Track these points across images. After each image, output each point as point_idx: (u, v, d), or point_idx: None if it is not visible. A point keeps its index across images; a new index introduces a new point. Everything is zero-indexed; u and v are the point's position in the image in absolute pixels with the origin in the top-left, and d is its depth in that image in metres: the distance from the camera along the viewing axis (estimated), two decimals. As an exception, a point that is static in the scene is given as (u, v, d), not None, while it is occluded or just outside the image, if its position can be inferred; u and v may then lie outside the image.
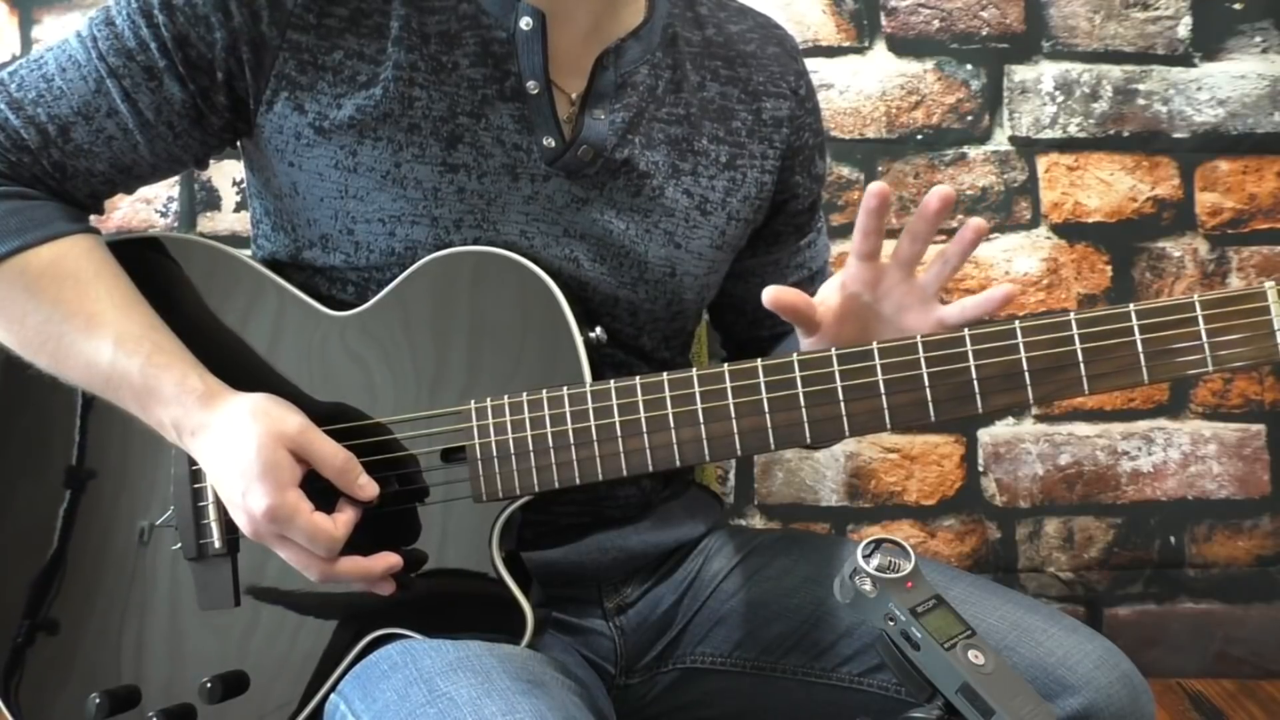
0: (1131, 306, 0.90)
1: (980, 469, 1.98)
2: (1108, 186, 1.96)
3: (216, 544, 1.04)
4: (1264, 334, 0.89)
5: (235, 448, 0.95)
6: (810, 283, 1.25)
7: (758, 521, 1.99)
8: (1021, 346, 0.91)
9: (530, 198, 1.06)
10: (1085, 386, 0.91)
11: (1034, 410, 1.98)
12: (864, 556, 0.87)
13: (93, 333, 0.99)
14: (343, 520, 0.96)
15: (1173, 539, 2.00)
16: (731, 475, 1.98)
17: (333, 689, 1.01)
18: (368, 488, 0.98)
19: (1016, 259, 1.96)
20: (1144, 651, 1.95)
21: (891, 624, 0.85)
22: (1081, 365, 0.91)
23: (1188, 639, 2.00)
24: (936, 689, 0.83)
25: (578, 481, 0.98)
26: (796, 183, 1.20)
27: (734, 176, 1.14)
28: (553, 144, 1.05)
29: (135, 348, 0.99)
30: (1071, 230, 1.96)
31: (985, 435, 1.98)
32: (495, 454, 0.99)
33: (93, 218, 1.09)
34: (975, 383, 0.92)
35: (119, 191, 1.09)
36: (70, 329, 1.00)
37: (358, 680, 0.99)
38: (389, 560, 0.98)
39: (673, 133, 1.11)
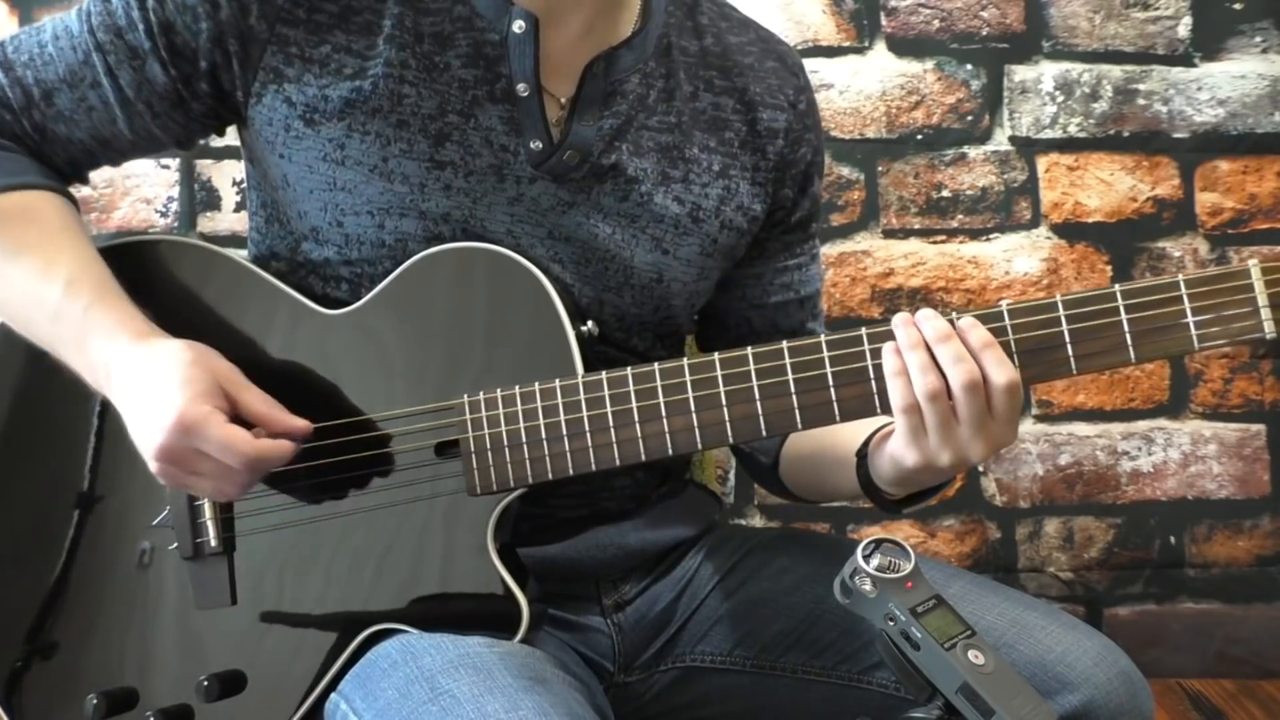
0: (1117, 287, 0.91)
1: (980, 469, 1.98)
2: (1108, 186, 1.96)
3: (212, 542, 1.04)
4: (1248, 311, 0.90)
5: (157, 372, 0.94)
6: (799, 308, 1.23)
7: (758, 521, 1.99)
8: (1009, 329, 0.92)
9: (515, 199, 1.06)
10: (1073, 367, 0.92)
11: (1034, 410, 1.98)
12: (864, 556, 0.87)
13: (47, 273, 1.00)
14: (267, 441, 0.95)
15: (1173, 539, 1.99)
16: (731, 475, 1.98)
17: (330, 686, 1.01)
18: (298, 422, 0.98)
19: (1016, 259, 1.96)
20: (1144, 651, 1.95)
21: (891, 624, 0.85)
22: (1069, 346, 0.91)
23: (1188, 639, 2.00)
24: (936, 689, 0.83)
25: (571, 472, 0.98)
26: (786, 196, 1.18)
27: (728, 185, 1.13)
28: (539, 147, 1.05)
29: (83, 291, 0.99)
30: (1071, 230, 1.96)
31: (985, 435, 1.97)
32: (488, 446, 0.99)
33: (87, 202, 1.10)
34: None
35: (101, 163, 1.11)
36: (26, 264, 1.00)
37: (358, 679, 0.99)
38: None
39: (663, 141, 1.11)
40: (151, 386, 0.94)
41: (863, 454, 1.02)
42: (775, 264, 1.21)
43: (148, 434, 0.94)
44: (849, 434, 1.05)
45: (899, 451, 0.94)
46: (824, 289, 1.94)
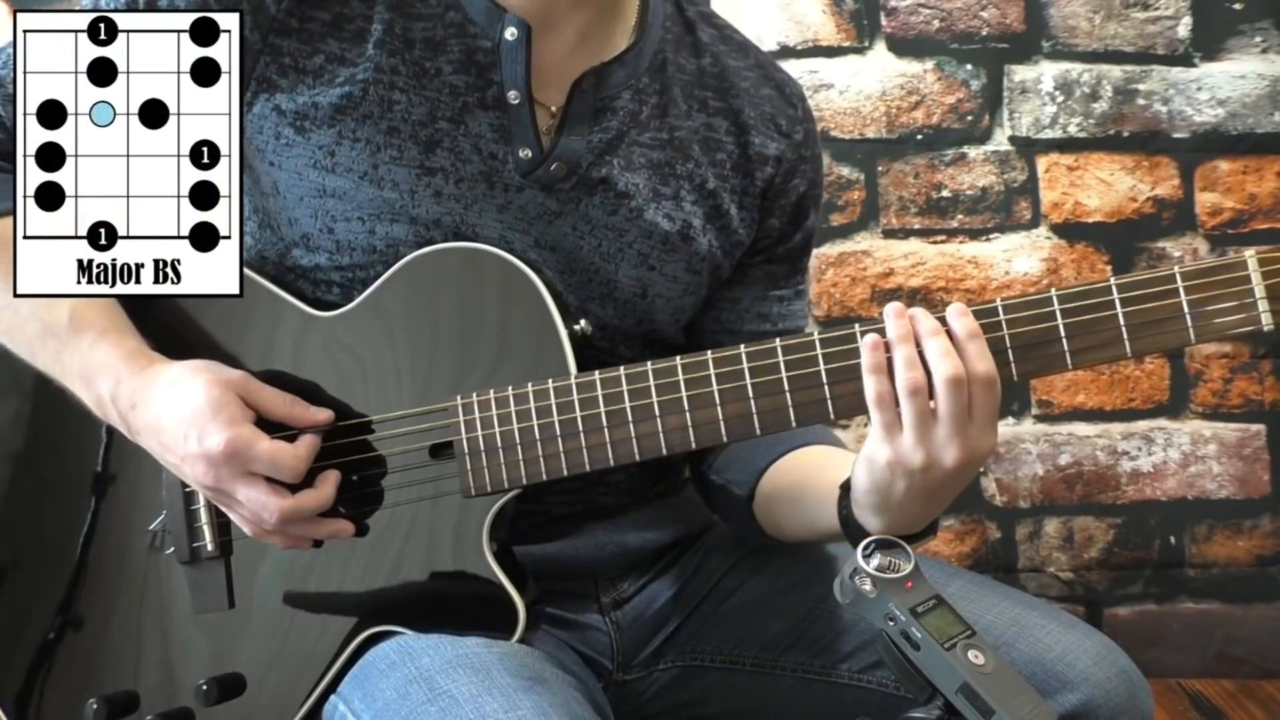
0: (1112, 280, 0.90)
1: (980, 469, 1.98)
2: (1108, 186, 1.96)
3: (209, 546, 1.04)
4: (1245, 303, 0.89)
5: (181, 400, 0.96)
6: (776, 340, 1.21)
7: (757, 522, 1.98)
8: (1004, 324, 0.91)
9: (504, 206, 1.06)
10: (1068, 361, 0.91)
11: (1034, 410, 1.98)
12: (864, 556, 0.87)
13: (53, 304, 1.00)
14: (304, 444, 0.98)
15: (1173, 539, 1.99)
16: (731, 476, 1.97)
17: (329, 688, 1.01)
18: (321, 413, 1.00)
19: (1016, 259, 1.96)
20: (1144, 651, 1.94)
21: (891, 624, 0.85)
22: (1064, 340, 0.91)
23: (1188, 639, 2.00)
24: (936, 689, 0.83)
25: (565, 473, 0.98)
26: (772, 226, 1.17)
27: (717, 205, 1.12)
28: (529, 155, 1.05)
29: (90, 324, 1.00)
30: (1071, 230, 1.96)
31: (985, 435, 1.97)
32: (483, 448, 0.99)
33: None
34: None
35: None
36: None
37: (356, 681, 0.99)
38: (338, 525, 1.00)
39: (654, 157, 1.10)
40: (183, 419, 0.95)
41: (846, 486, 0.99)
42: (755, 292, 1.19)
43: (194, 466, 0.96)
44: (832, 471, 1.03)
45: (872, 449, 0.92)
46: (823, 292, 1.95)
